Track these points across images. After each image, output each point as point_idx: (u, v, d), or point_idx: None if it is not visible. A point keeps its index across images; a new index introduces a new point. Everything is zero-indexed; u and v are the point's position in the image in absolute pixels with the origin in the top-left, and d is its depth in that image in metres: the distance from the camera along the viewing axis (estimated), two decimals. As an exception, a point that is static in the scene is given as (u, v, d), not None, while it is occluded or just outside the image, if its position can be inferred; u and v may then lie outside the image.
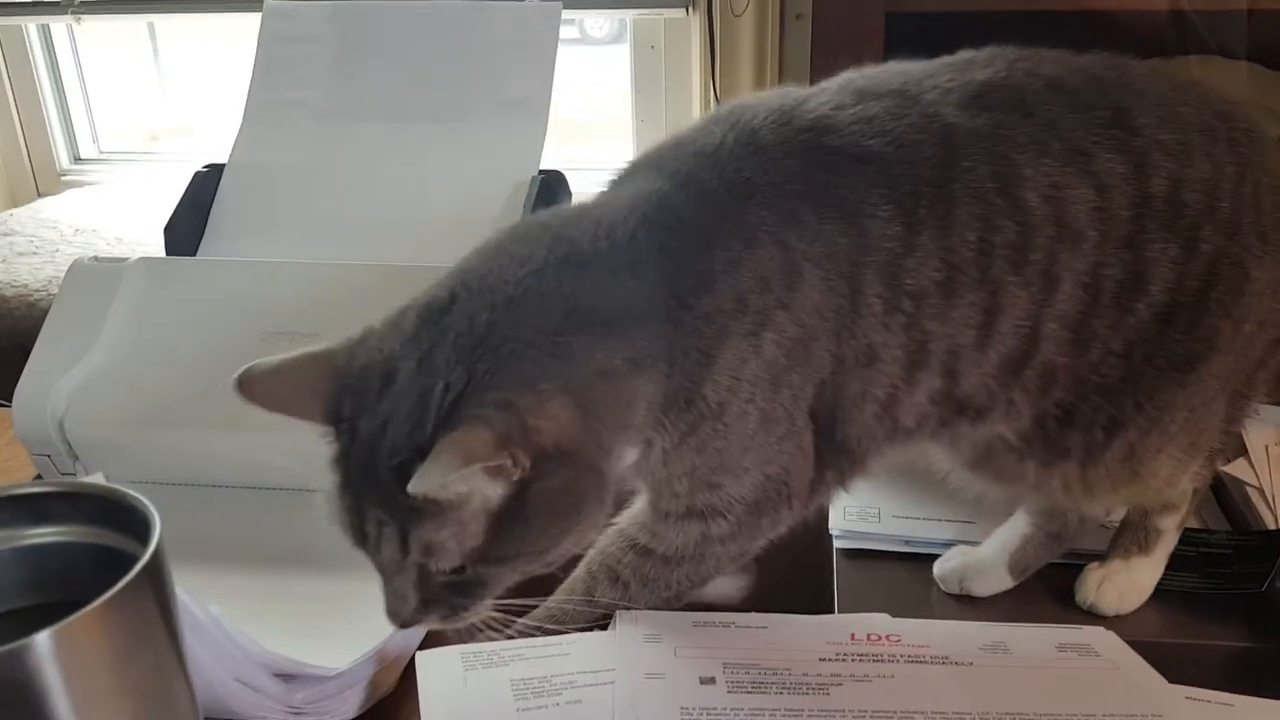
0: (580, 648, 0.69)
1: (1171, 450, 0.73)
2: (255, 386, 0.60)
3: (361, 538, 0.60)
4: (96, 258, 0.98)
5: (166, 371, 0.89)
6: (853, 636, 0.70)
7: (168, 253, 1.02)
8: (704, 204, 0.63)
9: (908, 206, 0.64)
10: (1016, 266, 0.65)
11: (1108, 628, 0.73)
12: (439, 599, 0.61)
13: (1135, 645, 0.71)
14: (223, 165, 1.08)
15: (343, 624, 0.74)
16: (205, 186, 1.06)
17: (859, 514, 0.91)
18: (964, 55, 0.72)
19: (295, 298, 0.91)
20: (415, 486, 0.54)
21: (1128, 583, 0.78)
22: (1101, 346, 0.69)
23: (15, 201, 1.89)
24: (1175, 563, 0.83)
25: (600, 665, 0.67)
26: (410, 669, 0.71)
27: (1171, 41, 1.49)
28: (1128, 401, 0.70)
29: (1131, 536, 0.80)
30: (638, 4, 1.70)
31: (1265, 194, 0.70)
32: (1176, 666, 0.68)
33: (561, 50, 1.03)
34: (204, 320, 0.92)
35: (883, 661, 0.67)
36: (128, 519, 0.46)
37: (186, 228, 1.03)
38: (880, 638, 0.70)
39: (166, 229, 1.03)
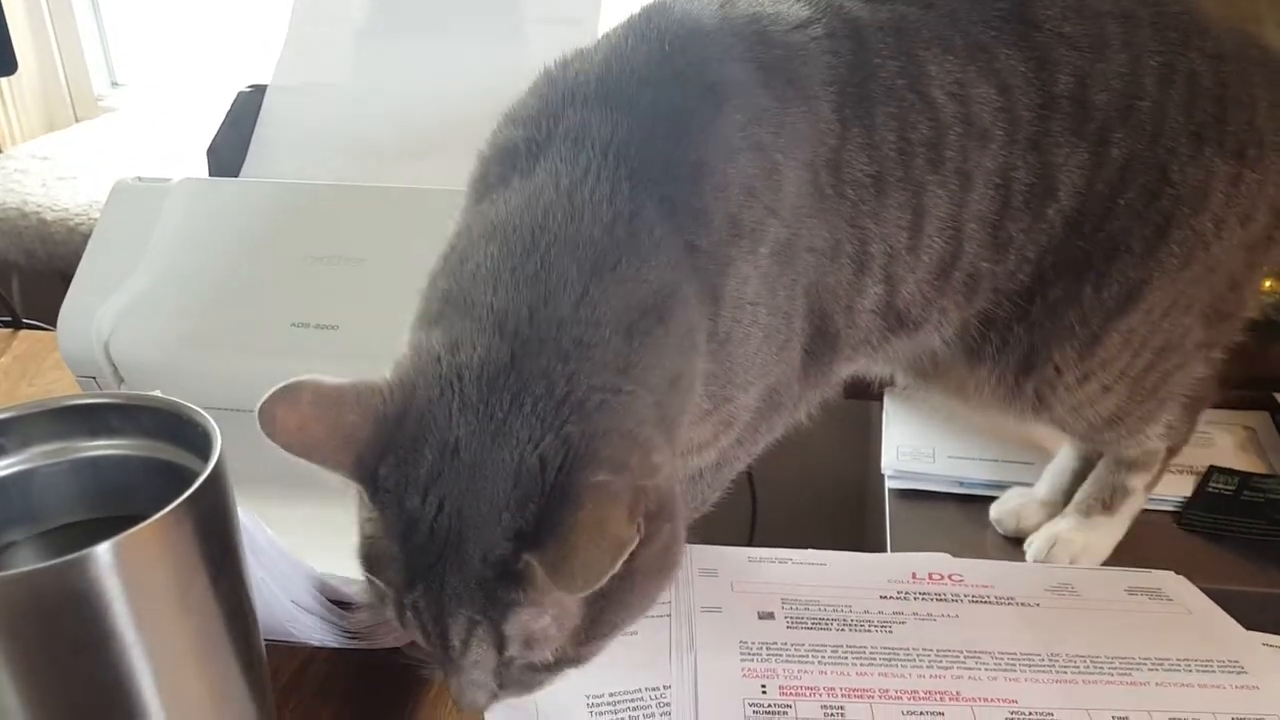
0: (634, 580, 0.67)
1: (1109, 377, 0.70)
2: (282, 419, 0.46)
3: (443, 641, 0.49)
4: (140, 178, 0.96)
5: (212, 293, 0.88)
6: (914, 575, 0.68)
7: (211, 174, 1.01)
8: (680, 130, 0.56)
9: (839, 100, 0.61)
10: (934, 165, 0.63)
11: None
12: (520, 681, 0.53)
13: (1205, 592, 0.69)
14: (265, 86, 1.06)
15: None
16: (248, 107, 1.03)
17: (913, 454, 0.89)
18: None
19: (339, 220, 0.89)
20: (578, 586, 0.45)
21: (1082, 545, 0.75)
22: (1017, 253, 0.66)
23: (53, 126, 1.87)
24: (1245, 509, 0.81)
25: (656, 597, 0.66)
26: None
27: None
28: (1044, 312, 0.68)
29: (1096, 492, 0.77)
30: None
31: (1203, 85, 0.65)
32: (1245, 614, 0.66)
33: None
34: (248, 242, 0.90)
35: (945, 601, 0.66)
36: (187, 433, 0.44)
37: (230, 149, 1.01)
38: (943, 576, 0.68)
39: (210, 150, 1.01)
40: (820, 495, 1.29)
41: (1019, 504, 0.81)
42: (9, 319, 1.17)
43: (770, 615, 0.64)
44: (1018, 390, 0.71)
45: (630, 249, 0.52)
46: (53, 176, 1.50)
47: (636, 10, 0.62)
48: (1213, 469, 0.86)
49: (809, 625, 0.63)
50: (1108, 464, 0.78)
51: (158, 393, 0.48)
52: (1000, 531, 0.80)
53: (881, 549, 0.80)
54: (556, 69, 0.61)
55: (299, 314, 0.83)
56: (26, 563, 0.45)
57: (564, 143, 0.55)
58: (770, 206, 0.58)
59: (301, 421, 0.46)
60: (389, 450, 0.48)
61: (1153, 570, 0.70)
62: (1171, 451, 0.79)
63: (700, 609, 0.64)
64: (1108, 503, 0.77)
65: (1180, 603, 0.67)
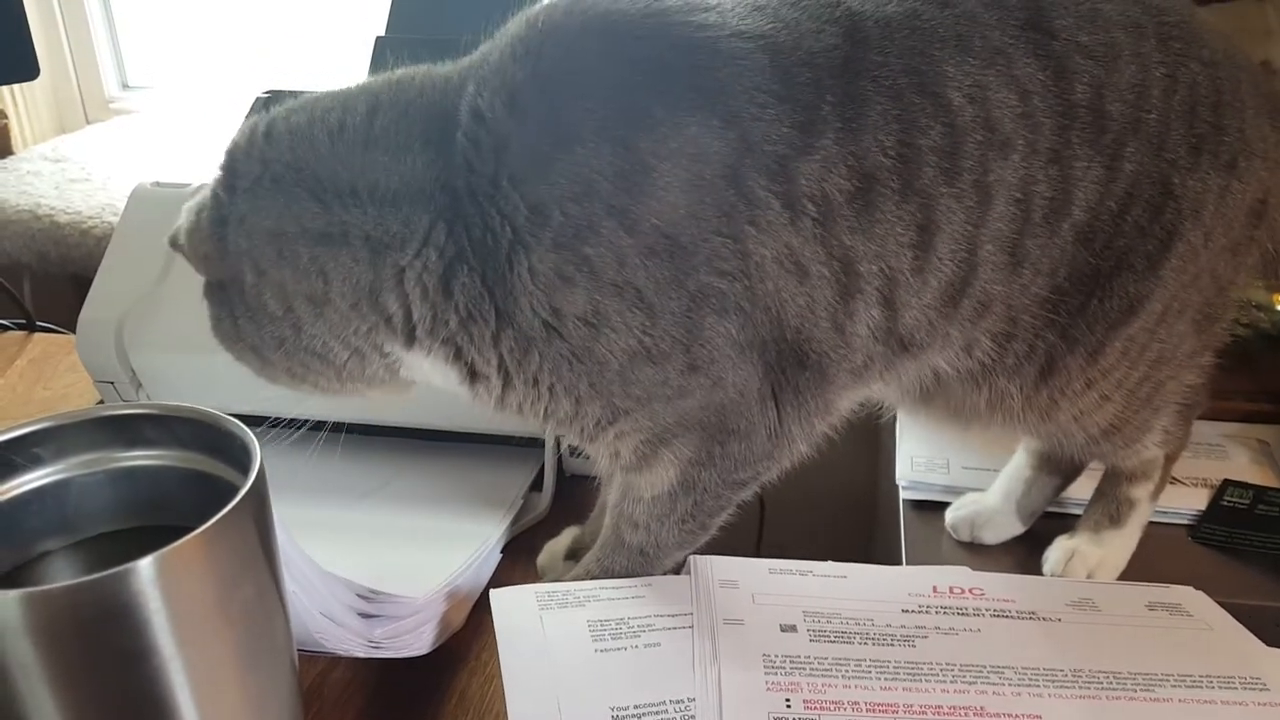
0: (656, 591, 0.68)
1: (1109, 386, 0.69)
2: None
3: None
4: (158, 183, 0.96)
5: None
6: (935, 589, 0.68)
7: (229, 180, 1.01)
8: (523, 117, 0.57)
9: (804, 103, 0.58)
10: (950, 177, 0.60)
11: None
12: None
13: (1222, 607, 0.69)
14: (283, 92, 1.06)
15: (413, 560, 0.73)
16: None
17: (927, 464, 0.89)
18: None
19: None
20: None
21: (1098, 559, 0.75)
22: (1032, 268, 0.64)
23: (64, 128, 1.88)
24: (1260, 524, 0.81)
25: (677, 609, 0.66)
26: (478, 607, 0.70)
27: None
28: (1052, 326, 0.66)
29: (1102, 507, 0.77)
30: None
31: (1201, 95, 0.65)
32: (1262, 629, 0.67)
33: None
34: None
35: (967, 615, 0.66)
36: (223, 444, 0.45)
37: (249, 155, 1.01)
38: (963, 590, 0.68)
39: (228, 156, 1.00)
40: (830, 506, 1.28)
41: (973, 511, 0.81)
42: (23, 321, 1.18)
43: (793, 628, 0.64)
44: (1032, 400, 0.70)
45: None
46: (65, 179, 1.51)
47: None
48: (1227, 482, 0.86)
49: (832, 639, 0.63)
50: (1109, 479, 0.78)
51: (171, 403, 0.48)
52: (955, 538, 0.81)
53: (895, 560, 0.81)
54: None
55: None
56: (63, 573, 0.46)
57: (480, 65, 0.59)
58: (615, 207, 0.57)
59: None
60: None
61: (1172, 585, 0.70)
62: (1170, 459, 0.79)
63: (723, 621, 0.64)
64: (1115, 517, 0.77)
65: (1200, 618, 0.67)
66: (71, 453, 0.46)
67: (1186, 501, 0.83)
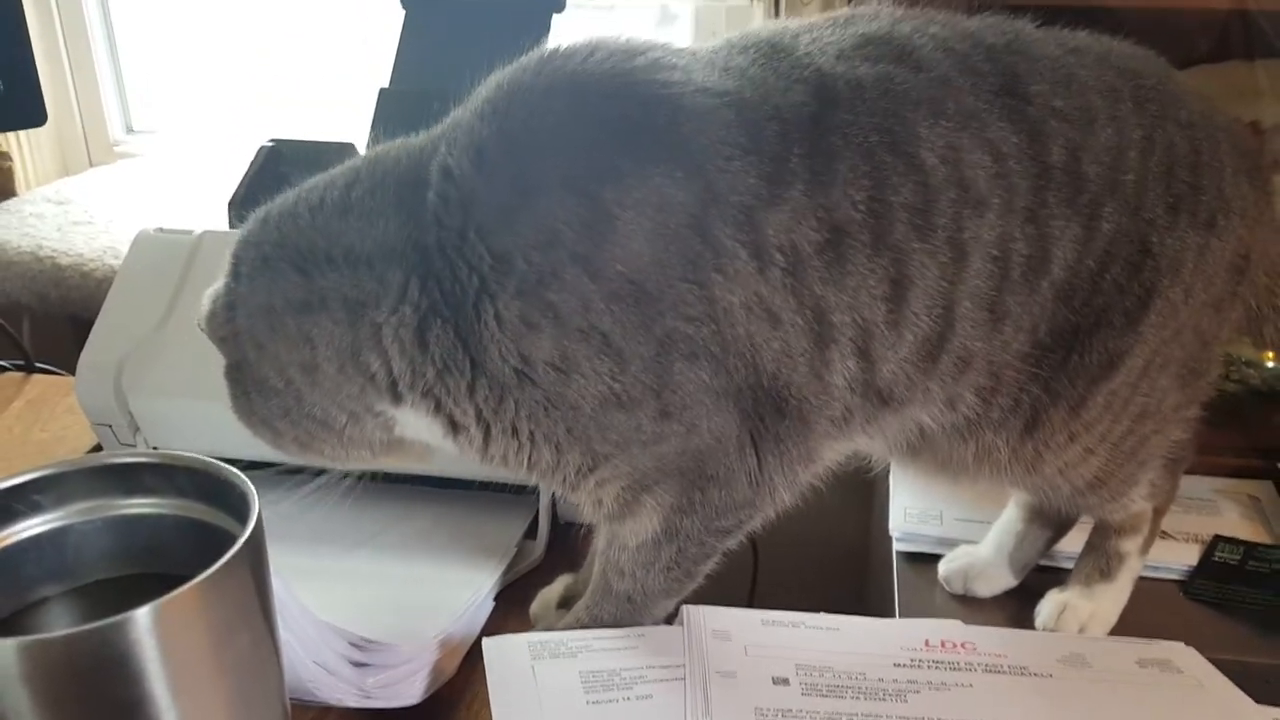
0: (648, 641, 0.68)
1: (1092, 440, 0.70)
2: None
3: None
4: (161, 229, 0.97)
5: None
6: (927, 643, 0.68)
7: (231, 227, 1.02)
8: (490, 172, 0.59)
9: (771, 155, 0.59)
10: (922, 233, 0.61)
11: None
12: None
13: (1212, 663, 0.69)
14: (286, 141, 1.08)
15: (407, 607, 0.73)
16: (270, 162, 1.05)
17: (920, 516, 0.90)
18: (845, 11, 0.68)
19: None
20: None
21: (1090, 612, 0.75)
22: (1013, 324, 0.65)
23: (68, 170, 1.89)
24: (1251, 579, 0.81)
25: (669, 660, 0.66)
26: (471, 655, 0.70)
27: (1237, 44, 1.46)
28: (1035, 380, 0.67)
29: (1093, 561, 0.77)
30: (704, -11, 1.68)
31: (1179, 155, 0.66)
32: (1252, 686, 0.67)
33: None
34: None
35: (959, 670, 0.66)
36: (222, 494, 0.45)
37: (251, 203, 1.02)
38: (955, 644, 0.68)
39: (231, 203, 1.02)
40: (823, 555, 1.29)
41: (966, 564, 0.81)
42: (22, 363, 1.18)
43: (785, 681, 0.64)
44: (1018, 453, 0.70)
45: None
46: (68, 221, 1.52)
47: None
48: (1218, 538, 0.86)
49: (824, 693, 0.63)
50: (1098, 533, 0.79)
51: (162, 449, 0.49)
52: (948, 590, 0.81)
53: (888, 612, 0.81)
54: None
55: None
56: (60, 619, 0.46)
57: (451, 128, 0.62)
58: (578, 254, 0.58)
59: None
60: None
61: (1162, 641, 0.71)
62: (1159, 512, 0.79)
63: (715, 673, 0.64)
64: (1106, 570, 0.77)
65: (1191, 674, 0.67)
66: (72, 500, 0.46)
67: (1178, 556, 0.84)
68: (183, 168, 1.79)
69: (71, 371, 1.10)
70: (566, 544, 0.85)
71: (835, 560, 1.30)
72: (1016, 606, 0.79)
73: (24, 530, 0.45)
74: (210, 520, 0.46)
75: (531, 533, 0.85)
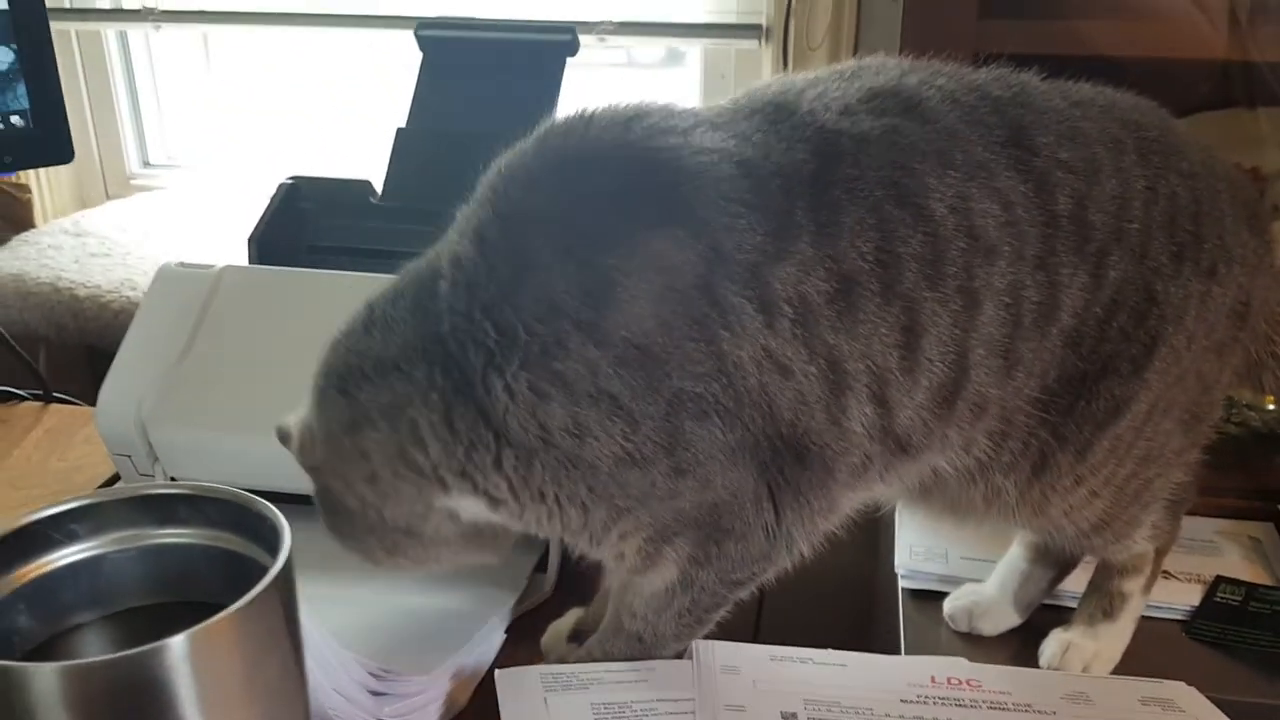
0: (658, 675, 0.69)
1: (1098, 483, 0.71)
2: None
3: None
4: (183, 262, 0.99)
5: (251, 379, 0.90)
6: (933, 679, 0.69)
7: (251, 262, 1.04)
8: (489, 252, 0.61)
9: (775, 210, 0.61)
10: (932, 282, 0.62)
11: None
12: None
13: (1214, 703, 0.70)
14: (304, 178, 1.10)
15: (420, 637, 0.75)
16: (290, 199, 1.07)
17: (925, 554, 0.91)
18: (850, 63, 0.69)
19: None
20: None
21: (1094, 652, 0.76)
22: (1025, 370, 0.66)
23: (85, 203, 1.92)
24: (1250, 620, 0.82)
25: (680, 694, 0.67)
26: (482, 686, 0.72)
27: (1240, 93, 1.48)
28: (1044, 424, 0.68)
29: (1096, 601, 0.78)
30: (711, 35, 1.71)
31: (1181, 205, 0.68)
32: (1256, 728, 0.68)
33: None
34: (289, 330, 0.93)
35: (964, 707, 0.67)
36: (253, 525, 0.47)
37: (272, 239, 1.04)
38: (961, 682, 0.69)
39: (251, 239, 1.04)
40: (828, 592, 1.29)
41: (971, 602, 0.82)
42: (40, 392, 1.20)
43: (793, 716, 0.65)
44: (1026, 495, 0.72)
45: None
46: (85, 253, 1.54)
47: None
48: (1219, 579, 0.87)
49: (831, 727, 0.64)
50: (1101, 573, 0.80)
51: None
52: (954, 628, 0.82)
53: (893, 649, 0.82)
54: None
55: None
56: (93, 645, 0.48)
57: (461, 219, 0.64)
58: (582, 321, 0.59)
59: None
60: None
61: (1165, 681, 0.72)
62: (1160, 553, 0.80)
63: (724, 707, 0.66)
64: (1109, 610, 0.78)
65: (1192, 714, 0.68)
66: (108, 530, 0.48)
67: (1180, 597, 0.85)
68: (200, 200, 1.81)
69: (89, 402, 1.12)
70: (575, 579, 0.86)
71: (839, 596, 1.30)
72: (1019, 644, 0.80)
73: (61, 559, 0.47)
74: (240, 550, 0.47)
75: (542, 566, 0.87)
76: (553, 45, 1.12)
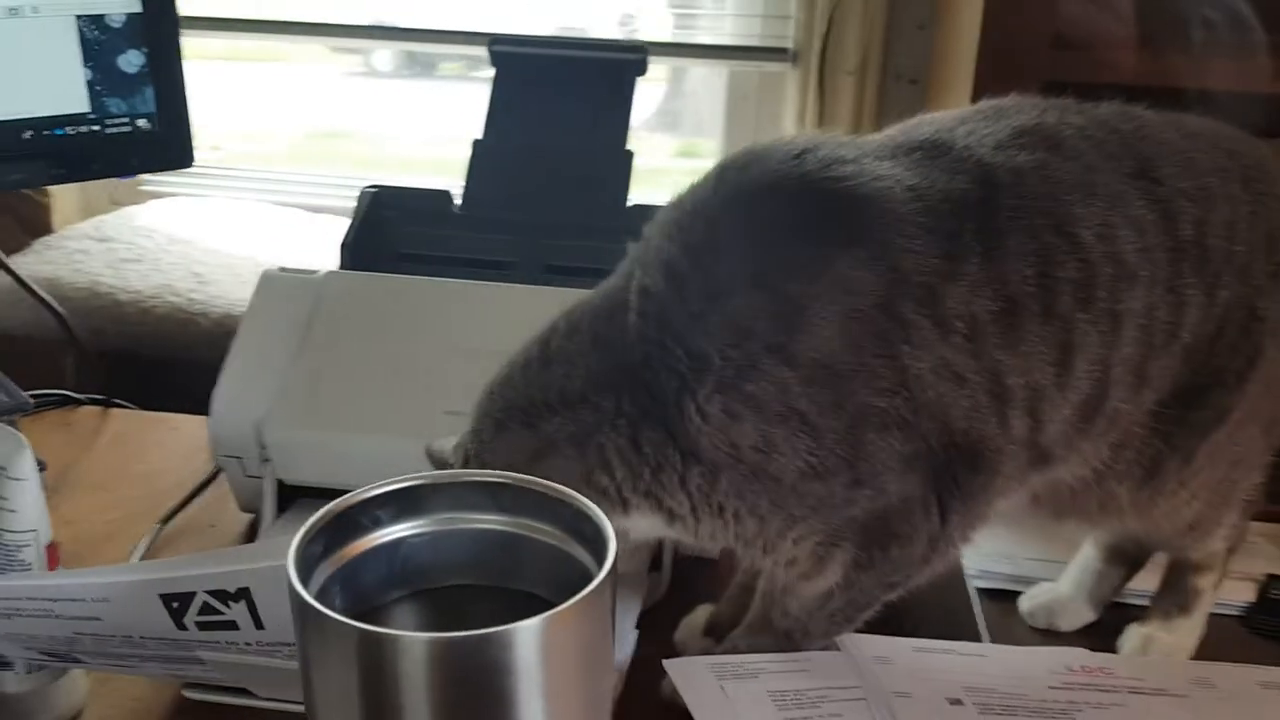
0: (816, 665, 0.72)
1: (1196, 486, 0.77)
2: None
3: None
4: (284, 268, 1.01)
5: (362, 380, 0.93)
6: (1068, 668, 0.74)
7: (343, 268, 1.05)
8: (679, 284, 0.66)
9: (947, 233, 0.66)
10: (1084, 304, 0.68)
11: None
12: None
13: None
14: (387, 188, 1.12)
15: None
16: (375, 205, 1.09)
17: (994, 555, 0.95)
18: (988, 103, 0.76)
19: (484, 316, 0.95)
20: None
21: (1172, 644, 0.82)
22: (1152, 388, 0.73)
23: (90, 210, 1.88)
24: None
25: (844, 682, 0.71)
26: (627, 681, 0.76)
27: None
28: (1157, 434, 0.74)
29: (1171, 598, 0.84)
30: (738, 56, 1.75)
31: (1277, 227, 0.75)
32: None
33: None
34: (394, 333, 0.96)
35: (1108, 691, 0.72)
36: (573, 521, 0.49)
37: (364, 245, 1.06)
38: (1094, 669, 0.75)
39: (343, 246, 1.05)
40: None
41: (1050, 599, 0.87)
42: (102, 398, 1.19)
43: (959, 702, 0.69)
44: (1135, 500, 0.77)
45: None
46: (116, 258, 1.52)
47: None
48: (1271, 577, 0.94)
49: (998, 712, 0.68)
50: (1175, 571, 0.86)
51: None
52: (1030, 624, 0.86)
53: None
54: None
55: (450, 402, 0.87)
56: (410, 618, 0.51)
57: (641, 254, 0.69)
58: (773, 345, 0.64)
59: None
60: None
61: (1276, 667, 0.78)
62: (1231, 551, 0.86)
63: (893, 693, 0.69)
64: (1184, 606, 0.84)
65: (1304, 697, 0.74)
66: (434, 510, 0.51)
67: (1237, 594, 0.90)
68: (213, 207, 1.80)
69: (143, 407, 1.13)
70: (687, 577, 0.89)
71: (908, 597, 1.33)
72: (1089, 641, 0.84)
73: (386, 535, 0.50)
74: (556, 544, 0.50)
75: (655, 565, 0.90)
76: (624, 64, 1.16)
